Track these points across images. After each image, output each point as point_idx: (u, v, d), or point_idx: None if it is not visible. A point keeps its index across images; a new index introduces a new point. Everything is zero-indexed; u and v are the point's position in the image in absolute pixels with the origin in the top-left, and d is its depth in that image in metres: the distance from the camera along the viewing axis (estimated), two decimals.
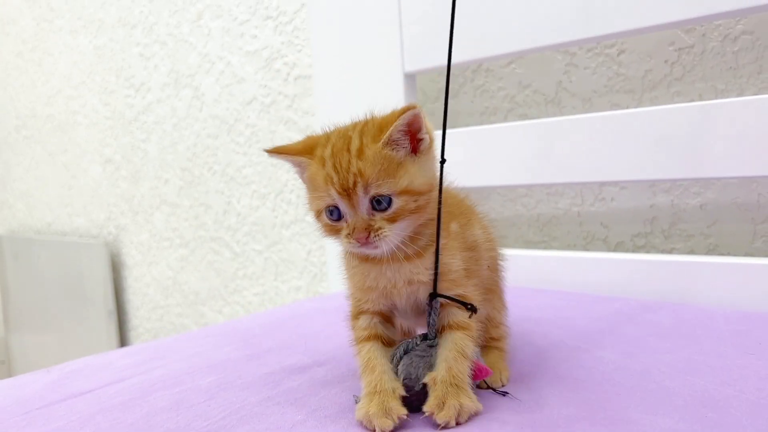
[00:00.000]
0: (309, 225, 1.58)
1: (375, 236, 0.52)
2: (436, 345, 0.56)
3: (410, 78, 1.22)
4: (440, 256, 0.56)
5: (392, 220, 0.53)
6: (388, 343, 0.59)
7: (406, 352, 0.56)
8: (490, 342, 0.66)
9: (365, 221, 0.53)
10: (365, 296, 0.59)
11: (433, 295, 0.55)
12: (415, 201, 0.54)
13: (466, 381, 0.54)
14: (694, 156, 0.92)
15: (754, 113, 0.87)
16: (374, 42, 1.24)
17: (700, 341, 0.72)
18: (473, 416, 0.53)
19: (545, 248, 1.25)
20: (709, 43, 1.04)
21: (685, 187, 1.09)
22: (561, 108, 1.20)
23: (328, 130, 0.59)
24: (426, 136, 0.55)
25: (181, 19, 1.81)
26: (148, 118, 1.99)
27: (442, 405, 0.51)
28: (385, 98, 1.22)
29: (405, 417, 0.51)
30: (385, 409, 0.52)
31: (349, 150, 0.53)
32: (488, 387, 0.60)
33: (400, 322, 0.63)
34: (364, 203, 0.53)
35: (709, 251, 1.07)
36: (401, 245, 0.54)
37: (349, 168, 0.52)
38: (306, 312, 1.01)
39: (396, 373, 0.55)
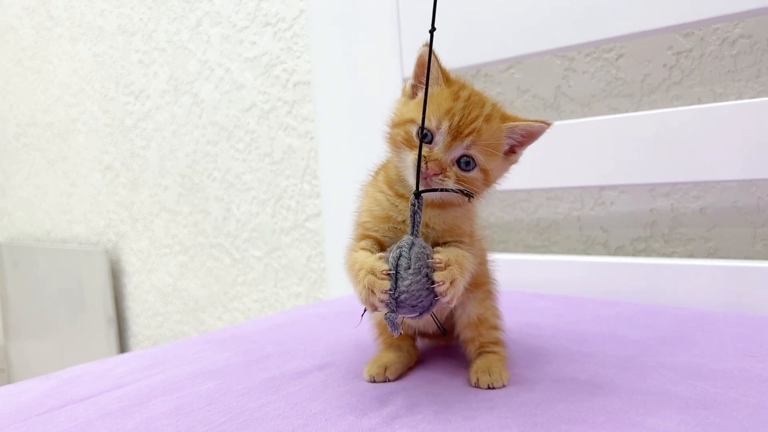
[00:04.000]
0: (308, 231, 1.58)
1: (441, 179, 0.55)
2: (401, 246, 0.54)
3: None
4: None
5: (459, 180, 0.56)
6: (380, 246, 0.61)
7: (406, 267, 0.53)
8: (488, 347, 0.66)
9: (446, 162, 0.56)
10: (379, 225, 0.61)
11: (417, 193, 0.54)
12: (482, 184, 0.58)
13: (468, 275, 0.56)
14: (694, 160, 0.92)
15: (752, 117, 0.87)
16: (373, 48, 1.24)
17: (701, 344, 0.72)
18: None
19: (545, 253, 1.25)
20: (708, 46, 1.04)
21: (684, 190, 1.09)
22: (560, 112, 1.20)
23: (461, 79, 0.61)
24: (520, 155, 0.61)
25: (181, 26, 1.81)
26: (147, 125, 2.00)
27: (445, 266, 0.53)
28: (385, 104, 1.23)
29: (386, 271, 0.52)
30: (373, 272, 0.53)
31: (482, 108, 0.57)
32: (489, 386, 0.60)
33: None
34: (457, 152, 0.56)
35: (709, 255, 1.07)
36: (439, 198, 0.57)
37: (473, 121, 0.56)
38: (306, 318, 1.01)
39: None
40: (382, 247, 0.60)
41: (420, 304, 0.52)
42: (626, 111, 1.12)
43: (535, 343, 0.76)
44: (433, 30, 0.55)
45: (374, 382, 0.65)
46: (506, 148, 0.60)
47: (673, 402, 0.55)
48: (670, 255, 1.11)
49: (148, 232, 2.09)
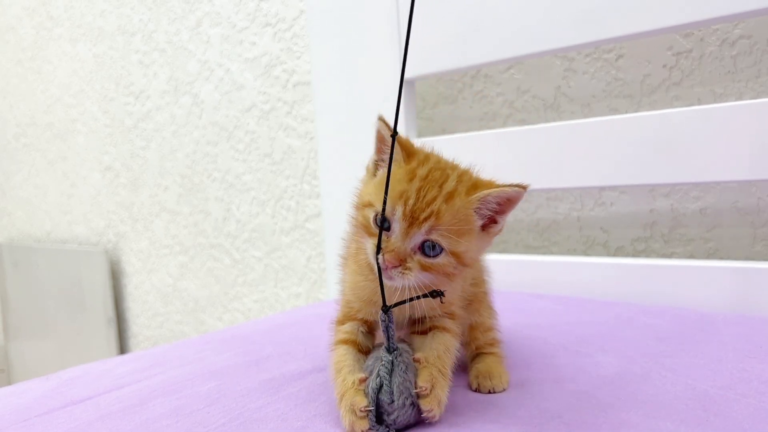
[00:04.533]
0: (309, 231, 1.58)
1: (401, 270, 0.51)
2: (399, 353, 0.54)
3: (409, 84, 1.22)
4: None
5: (425, 267, 0.52)
6: (363, 351, 0.59)
7: (384, 373, 0.53)
8: (485, 348, 0.66)
9: (405, 252, 0.51)
10: (363, 307, 0.59)
11: (385, 308, 0.53)
12: (455, 267, 0.53)
13: (450, 374, 0.55)
14: (694, 160, 0.92)
15: (752, 117, 0.87)
16: (373, 48, 1.24)
17: (701, 345, 0.72)
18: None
19: (545, 253, 1.25)
20: (708, 47, 1.04)
21: (684, 191, 1.09)
22: (560, 113, 1.20)
23: (428, 150, 0.57)
24: (503, 223, 0.55)
25: (181, 26, 1.81)
26: (147, 126, 2.00)
27: (431, 389, 0.52)
28: (384, 104, 1.23)
29: (365, 407, 0.51)
30: (353, 410, 0.51)
31: (441, 187, 0.52)
32: (490, 391, 0.60)
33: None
34: (417, 239, 0.51)
35: (709, 255, 1.07)
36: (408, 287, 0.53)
37: (431, 203, 0.51)
38: (306, 318, 1.00)
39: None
40: (369, 326, 0.60)
41: (406, 424, 0.52)
42: (626, 111, 1.12)
43: (534, 344, 0.76)
44: (394, 135, 0.53)
45: None
46: (482, 221, 0.54)
47: (673, 403, 0.55)
48: (670, 255, 1.11)
49: (148, 233, 2.09)
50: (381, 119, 0.56)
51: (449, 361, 0.56)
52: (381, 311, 0.53)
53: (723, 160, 0.90)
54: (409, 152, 0.55)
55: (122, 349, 2.27)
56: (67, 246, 2.38)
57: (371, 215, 0.54)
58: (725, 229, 1.05)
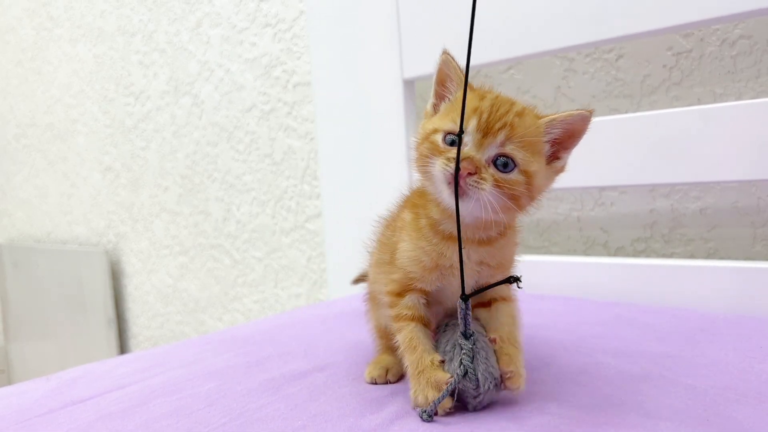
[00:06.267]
0: (309, 232, 1.58)
1: (476, 180, 0.49)
2: (477, 338, 0.55)
3: (409, 84, 1.22)
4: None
5: (498, 183, 0.50)
6: (426, 324, 0.59)
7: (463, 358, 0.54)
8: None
9: (480, 162, 0.50)
10: (425, 275, 0.57)
11: (464, 297, 0.53)
12: (526, 189, 0.52)
13: (522, 344, 0.57)
14: (694, 160, 0.92)
15: (752, 117, 0.87)
16: (373, 48, 1.24)
17: (701, 345, 0.72)
18: None
19: (545, 253, 1.25)
20: (707, 47, 1.04)
21: (684, 191, 1.09)
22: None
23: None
24: (566, 160, 0.55)
25: (181, 27, 1.81)
26: (147, 126, 2.00)
27: (516, 370, 0.54)
28: (385, 105, 1.23)
29: (449, 380, 0.52)
30: (435, 385, 0.53)
31: (512, 105, 0.52)
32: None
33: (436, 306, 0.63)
34: (491, 151, 0.50)
35: (709, 255, 1.07)
36: (480, 216, 0.51)
37: (504, 115, 0.51)
38: (306, 319, 1.01)
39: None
40: (427, 296, 0.59)
41: (488, 404, 0.55)
42: (626, 112, 1.13)
43: (534, 344, 0.76)
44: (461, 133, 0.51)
45: (375, 383, 0.65)
46: (548, 152, 0.54)
47: (673, 403, 0.55)
48: (670, 256, 1.11)
49: (148, 233, 2.09)
50: (446, 53, 0.55)
51: (519, 333, 0.57)
52: (460, 299, 0.53)
53: (723, 160, 0.90)
54: (470, 86, 0.55)
55: (122, 349, 2.27)
56: (67, 246, 2.38)
57: (439, 138, 0.53)
58: (725, 229, 1.06)
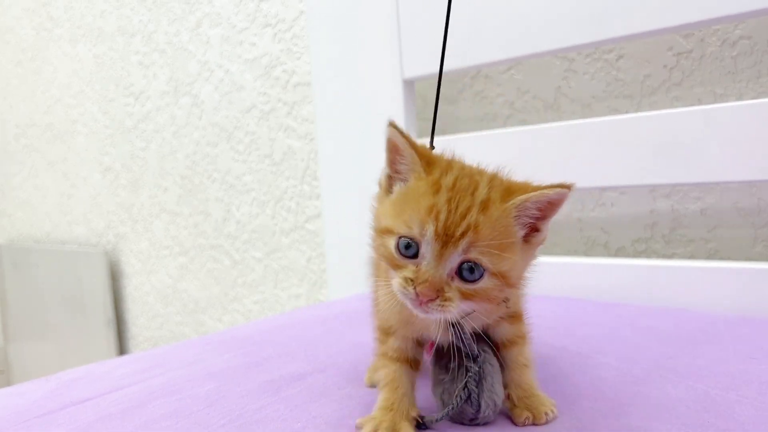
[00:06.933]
0: (308, 232, 1.58)
1: (439, 304, 0.44)
2: (484, 359, 0.52)
3: (409, 84, 1.22)
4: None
5: (466, 295, 0.45)
6: (414, 365, 0.55)
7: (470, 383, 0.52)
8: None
9: (442, 280, 0.44)
10: (401, 327, 0.53)
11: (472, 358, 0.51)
12: (500, 291, 0.46)
13: (536, 387, 0.54)
14: (694, 161, 0.92)
15: (753, 117, 0.87)
16: (373, 49, 1.24)
17: (702, 346, 0.72)
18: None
19: (545, 254, 1.25)
20: (708, 47, 1.04)
21: (685, 192, 1.09)
22: (560, 113, 1.20)
23: (445, 155, 0.50)
24: (546, 231, 0.48)
25: (180, 27, 1.81)
26: (147, 127, 2.00)
27: (533, 413, 0.51)
28: (385, 105, 1.23)
29: None
30: (395, 429, 0.49)
31: (473, 195, 0.44)
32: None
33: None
34: (453, 261, 0.44)
35: (710, 256, 1.07)
36: (457, 319, 0.46)
37: (466, 215, 0.43)
38: (306, 319, 1.00)
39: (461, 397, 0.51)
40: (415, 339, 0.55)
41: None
42: (626, 112, 1.12)
43: (535, 346, 0.75)
44: (432, 148, 0.49)
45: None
46: (523, 231, 0.47)
47: (674, 404, 0.55)
48: (671, 256, 1.11)
49: (147, 234, 2.09)
50: (392, 125, 0.48)
51: (534, 376, 0.54)
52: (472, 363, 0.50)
53: (723, 161, 0.90)
54: (429, 161, 0.48)
55: (122, 350, 2.27)
56: (66, 247, 2.38)
57: (392, 243, 0.46)
58: (726, 230, 1.05)
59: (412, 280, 0.44)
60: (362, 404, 0.59)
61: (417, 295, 0.43)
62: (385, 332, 0.55)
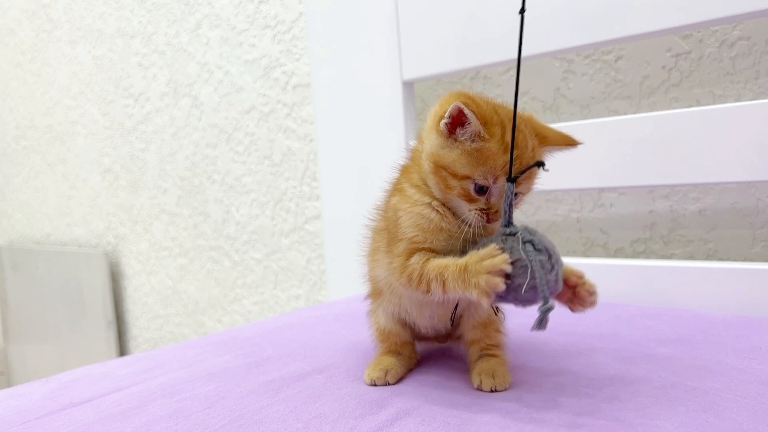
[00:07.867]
0: (308, 233, 1.58)
1: (497, 219, 0.59)
2: (517, 232, 0.57)
3: (408, 86, 1.22)
4: None
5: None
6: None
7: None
8: (490, 350, 0.66)
9: (499, 203, 0.58)
10: (432, 237, 0.60)
11: (511, 179, 0.56)
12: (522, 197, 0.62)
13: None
14: (693, 161, 0.92)
15: (751, 118, 0.87)
16: (372, 50, 1.24)
17: (700, 347, 0.72)
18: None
19: None
20: (706, 48, 1.04)
21: (684, 192, 1.09)
22: (559, 114, 1.21)
23: (477, 98, 0.60)
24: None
25: (180, 28, 1.81)
26: (147, 128, 2.00)
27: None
28: (384, 106, 1.23)
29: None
30: (500, 268, 0.55)
31: (526, 145, 0.59)
32: (492, 390, 0.60)
33: None
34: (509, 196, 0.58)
35: (709, 256, 1.07)
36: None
37: (528, 162, 0.58)
38: (305, 320, 1.00)
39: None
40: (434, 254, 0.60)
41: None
42: (625, 113, 1.13)
43: (534, 345, 0.76)
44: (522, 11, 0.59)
45: (375, 385, 0.65)
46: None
47: (673, 404, 0.55)
48: (670, 257, 1.11)
49: (147, 235, 2.09)
50: (464, 98, 0.58)
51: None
52: (508, 182, 0.57)
53: (722, 162, 0.90)
54: (485, 120, 0.58)
55: (122, 351, 2.27)
56: (66, 248, 2.38)
57: (470, 186, 0.58)
58: (724, 231, 1.06)
59: (486, 211, 0.59)
60: (362, 404, 0.59)
61: (489, 219, 0.59)
62: (406, 257, 0.60)
